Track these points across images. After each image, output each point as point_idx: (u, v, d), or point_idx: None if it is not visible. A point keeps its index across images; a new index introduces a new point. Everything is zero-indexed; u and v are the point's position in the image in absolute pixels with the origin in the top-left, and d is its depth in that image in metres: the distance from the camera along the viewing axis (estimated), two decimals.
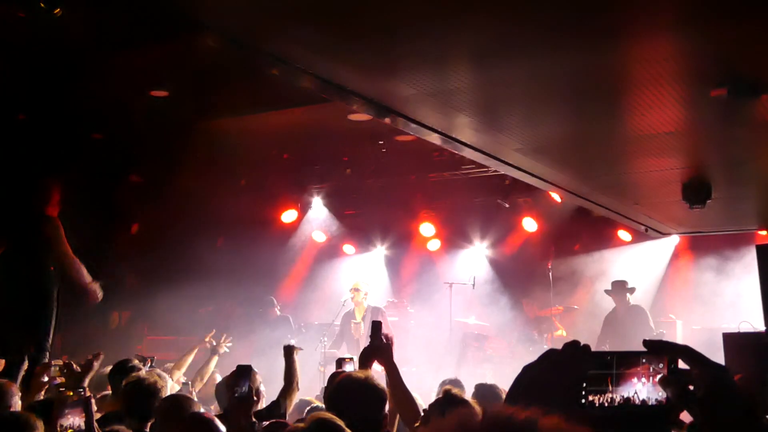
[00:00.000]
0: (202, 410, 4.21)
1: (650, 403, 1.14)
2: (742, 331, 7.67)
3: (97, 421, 3.84)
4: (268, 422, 4.20)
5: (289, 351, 5.43)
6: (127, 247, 10.04)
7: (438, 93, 4.23)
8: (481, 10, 3.25)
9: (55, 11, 4.58)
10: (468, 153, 5.74)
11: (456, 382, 5.48)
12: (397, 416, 4.16)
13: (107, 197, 10.14)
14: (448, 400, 3.76)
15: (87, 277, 6.16)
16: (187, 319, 10.85)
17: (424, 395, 5.44)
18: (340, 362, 4.47)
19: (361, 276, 10.43)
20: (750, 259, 8.00)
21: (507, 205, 10.57)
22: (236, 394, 3.93)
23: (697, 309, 10.30)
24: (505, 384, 5.09)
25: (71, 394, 3.74)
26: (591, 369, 1.13)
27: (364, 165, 10.72)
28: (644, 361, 1.16)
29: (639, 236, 10.32)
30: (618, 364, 1.15)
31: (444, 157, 10.01)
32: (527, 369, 1.18)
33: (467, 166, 9.88)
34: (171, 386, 5.68)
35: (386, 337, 4.30)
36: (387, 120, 4.83)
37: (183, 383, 6.67)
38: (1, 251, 6.80)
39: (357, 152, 10.36)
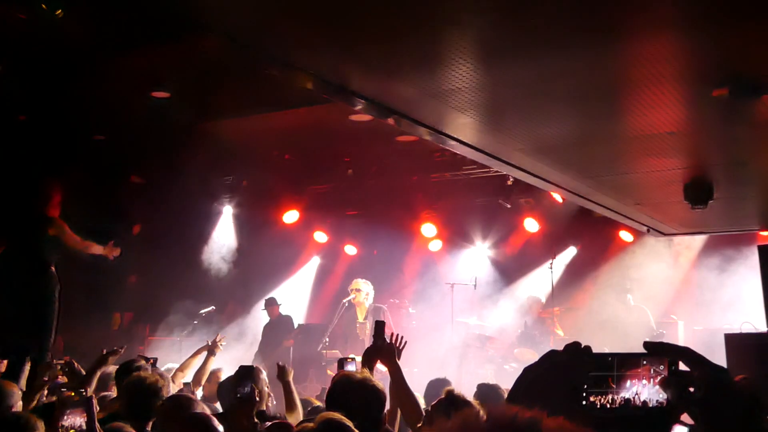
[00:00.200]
0: (202, 410, 4.20)
1: (651, 405, 1.14)
2: (743, 331, 7.67)
3: (99, 421, 3.84)
4: (270, 423, 4.20)
5: (282, 372, 5.27)
6: (128, 248, 10.04)
7: (439, 93, 4.23)
8: (482, 10, 3.25)
9: (57, 13, 4.59)
10: (470, 153, 5.73)
11: (444, 382, 5.48)
12: (399, 416, 4.16)
13: (109, 198, 10.15)
14: (451, 400, 3.76)
15: (98, 249, 7.33)
16: (188, 320, 10.87)
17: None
18: (342, 362, 4.48)
19: (362, 276, 10.43)
20: (752, 259, 8.01)
21: (508, 206, 10.57)
22: (239, 395, 3.93)
23: (698, 309, 10.29)
24: (506, 384, 5.10)
25: (72, 394, 3.74)
26: (592, 370, 1.13)
27: (366, 165, 10.72)
28: (645, 362, 1.16)
29: (640, 237, 10.31)
30: (619, 366, 1.15)
31: (445, 158, 10.01)
32: (528, 370, 1.18)
33: (469, 167, 9.89)
34: (173, 387, 5.68)
35: (392, 336, 4.30)
36: (389, 120, 4.83)
37: (184, 383, 6.67)
38: (0, 250, 6.83)
39: (358, 153, 10.36)
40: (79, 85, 7.48)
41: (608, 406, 1.13)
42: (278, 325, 11.26)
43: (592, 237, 11.24)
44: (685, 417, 1.16)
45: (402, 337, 4.39)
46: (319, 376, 9.72)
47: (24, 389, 5.42)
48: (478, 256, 12.04)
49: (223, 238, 12.22)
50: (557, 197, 9.77)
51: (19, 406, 4.61)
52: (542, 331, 10.51)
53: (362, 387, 3.55)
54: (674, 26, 3.45)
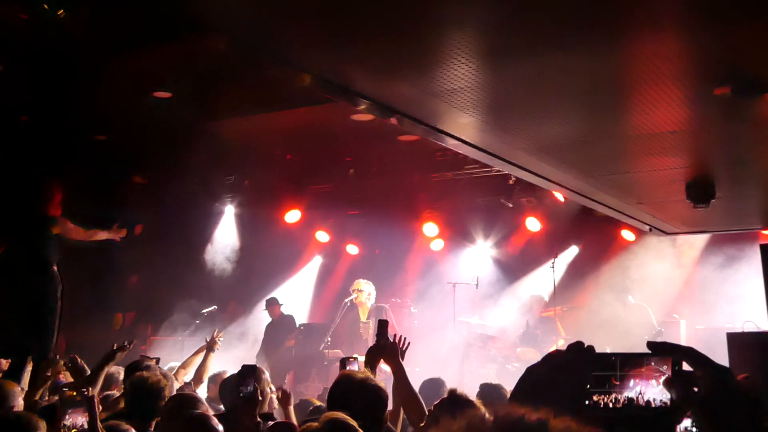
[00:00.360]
0: (205, 410, 4.20)
1: (654, 405, 1.14)
2: (746, 330, 7.66)
3: (102, 420, 3.84)
4: (272, 422, 4.20)
5: (285, 399, 5.03)
6: (130, 247, 10.05)
7: (442, 93, 4.22)
8: (484, 9, 3.25)
9: (59, 13, 4.59)
10: (472, 153, 5.73)
11: (438, 381, 5.48)
12: (401, 416, 4.16)
13: (110, 198, 10.15)
14: (453, 400, 3.75)
15: (103, 234, 7.51)
16: (190, 319, 10.87)
17: None
18: (344, 362, 4.47)
19: (363, 276, 10.43)
20: (754, 258, 8.00)
21: (510, 205, 10.56)
22: (241, 394, 3.93)
23: (700, 309, 10.29)
24: (507, 384, 5.09)
25: (74, 394, 3.74)
26: (595, 370, 1.13)
27: (367, 165, 10.72)
28: (648, 362, 1.16)
29: (642, 236, 10.30)
30: (622, 365, 1.15)
31: (447, 157, 10.01)
32: (531, 370, 1.18)
33: (470, 166, 9.88)
34: (176, 385, 5.69)
35: (396, 336, 4.30)
36: (391, 120, 4.83)
37: (185, 383, 6.68)
38: (1, 250, 6.84)
39: (360, 152, 10.36)
40: (80, 85, 7.48)
41: (611, 405, 1.13)
42: (280, 324, 11.26)
43: (594, 236, 11.23)
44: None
45: (405, 339, 4.38)
46: (321, 376, 9.72)
47: (25, 389, 5.42)
48: (479, 255, 12.03)
49: (224, 237, 12.22)
50: (559, 196, 9.77)
51: (20, 405, 4.61)
52: (544, 330, 10.50)
53: (363, 387, 3.55)
54: (676, 25, 3.45)
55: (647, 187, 6.72)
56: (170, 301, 11.22)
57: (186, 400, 4.32)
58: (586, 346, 1.16)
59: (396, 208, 11.59)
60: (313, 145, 9.92)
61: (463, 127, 5.01)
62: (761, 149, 5.50)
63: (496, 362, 9.99)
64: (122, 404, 4.90)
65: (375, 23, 3.44)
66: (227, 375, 6.93)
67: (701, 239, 10.45)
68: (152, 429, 4.50)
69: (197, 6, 3.41)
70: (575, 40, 3.53)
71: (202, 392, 6.65)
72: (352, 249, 12.97)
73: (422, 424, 3.84)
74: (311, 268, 13.32)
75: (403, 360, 4.21)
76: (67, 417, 3.58)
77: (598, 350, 1.17)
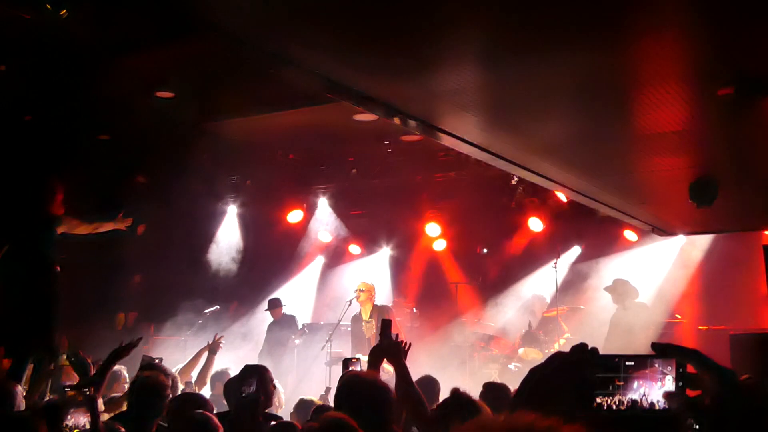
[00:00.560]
0: (212, 409, 4.21)
1: (658, 407, 1.14)
2: (748, 331, 7.65)
3: (106, 421, 3.84)
4: (275, 422, 4.20)
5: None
6: (133, 248, 10.05)
7: (445, 93, 4.22)
8: (486, 9, 3.24)
9: (62, 13, 4.59)
10: (475, 153, 5.72)
11: (431, 379, 5.47)
12: (404, 415, 4.15)
13: (113, 198, 10.16)
14: (457, 400, 3.74)
15: (109, 225, 7.51)
16: (193, 319, 10.87)
17: None
18: (346, 363, 4.46)
19: (366, 276, 10.42)
20: (757, 259, 7.98)
21: (513, 205, 10.55)
22: (243, 394, 3.93)
23: (703, 309, 10.26)
24: (509, 384, 5.09)
25: (76, 393, 3.74)
26: (599, 372, 1.13)
27: (370, 165, 10.72)
28: (653, 364, 1.15)
29: (645, 236, 10.29)
30: (626, 367, 1.14)
31: (450, 157, 10.01)
32: (535, 371, 1.18)
33: (473, 166, 9.87)
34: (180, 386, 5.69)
35: (397, 337, 4.30)
36: (394, 120, 4.82)
37: (187, 383, 6.68)
38: (3, 250, 6.85)
39: (362, 152, 10.36)
40: (83, 85, 7.48)
41: (615, 407, 1.13)
42: (283, 324, 11.25)
43: (596, 236, 11.21)
44: None
45: (405, 342, 4.38)
46: (323, 376, 9.71)
47: (27, 388, 5.42)
48: (482, 255, 12.01)
49: (227, 237, 12.23)
50: (562, 196, 9.76)
51: (21, 405, 4.61)
52: (547, 330, 10.49)
53: (370, 387, 3.54)
54: (680, 25, 3.44)
55: (650, 187, 6.72)
56: (173, 300, 11.21)
57: (191, 399, 4.32)
58: (590, 347, 1.16)
59: (399, 208, 11.59)
60: (315, 145, 9.92)
61: (466, 127, 5.01)
62: (764, 150, 5.49)
63: (498, 362, 9.97)
64: (125, 406, 4.90)
65: (378, 24, 3.44)
66: (231, 372, 6.95)
67: (704, 240, 10.42)
68: (153, 429, 4.49)
69: (200, 6, 3.41)
70: (578, 40, 3.52)
71: (205, 393, 6.65)
72: (355, 249, 12.96)
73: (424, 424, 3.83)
74: (314, 268, 13.31)
75: (406, 359, 4.21)
76: (69, 417, 3.57)
77: (601, 352, 1.17)
